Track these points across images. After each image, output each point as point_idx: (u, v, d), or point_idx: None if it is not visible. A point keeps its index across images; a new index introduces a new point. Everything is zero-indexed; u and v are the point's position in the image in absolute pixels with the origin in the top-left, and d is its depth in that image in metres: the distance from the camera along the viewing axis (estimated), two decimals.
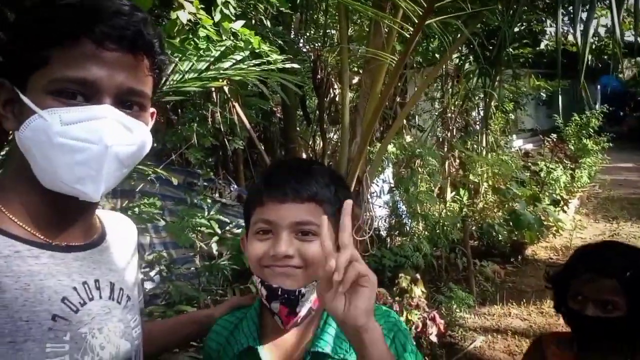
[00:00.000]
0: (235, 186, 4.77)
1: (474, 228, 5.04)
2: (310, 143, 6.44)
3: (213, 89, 3.11)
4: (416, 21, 2.43)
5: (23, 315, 0.66)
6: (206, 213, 3.56)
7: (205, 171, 4.22)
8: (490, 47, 5.28)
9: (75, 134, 0.67)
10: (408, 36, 2.55)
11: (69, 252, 0.75)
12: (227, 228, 3.97)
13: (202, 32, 2.17)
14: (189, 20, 2.13)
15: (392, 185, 5.16)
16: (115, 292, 0.79)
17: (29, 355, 0.66)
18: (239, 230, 4.14)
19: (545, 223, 5.29)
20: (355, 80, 5.21)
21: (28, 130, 0.67)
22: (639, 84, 17.44)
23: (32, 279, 0.69)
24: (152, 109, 0.79)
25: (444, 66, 5.46)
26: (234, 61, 2.29)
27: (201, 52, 2.07)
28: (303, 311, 0.88)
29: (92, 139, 0.68)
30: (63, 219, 0.75)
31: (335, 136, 6.80)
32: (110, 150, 0.68)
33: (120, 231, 0.88)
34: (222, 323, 1.01)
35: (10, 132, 0.73)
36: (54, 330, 0.69)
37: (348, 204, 0.74)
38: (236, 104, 3.24)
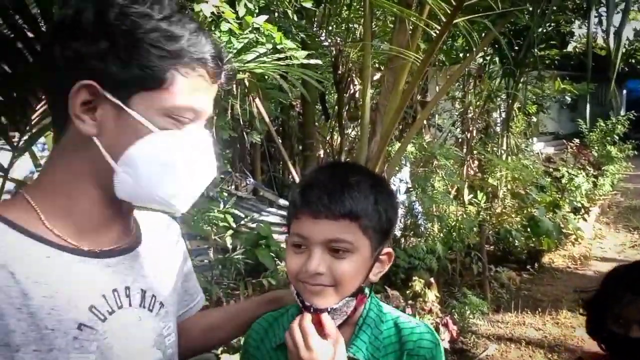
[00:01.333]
0: (252, 180, 4.75)
1: (490, 232, 4.96)
2: (328, 139, 6.40)
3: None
4: (444, 19, 2.36)
5: (49, 324, 0.65)
6: (222, 206, 3.55)
7: (222, 163, 4.20)
8: (517, 48, 5.17)
9: (181, 156, 0.71)
10: (434, 34, 2.48)
11: (100, 258, 0.73)
12: (242, 222, 3.96)
13: (224, 26, 2.14)
14: (212, 13, 2.10)
15: (409, 185, 5.10)
16: (147, 299, 0.76)
17: None
18: (254, 225, 4.13)
19: (564, 231, 5.18)
20: (377, 76, 5.14)
21: (138, 146, 0.69)
22: None
23: (61, 286, 0.67)
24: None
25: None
26: (256, 54, 2.26)
27: (223, 44, 2.05)
28: (338, 321, 0.88)
29: (195, 159, 0.73)
30: (99, 224, 0.74)
31: (353, 133, 6.76)
32: (206, 171, 0.75)
33: (158, 232, 0.86)
34: (261, 320, 1.01)
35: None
36: (79, 339, 0.67)
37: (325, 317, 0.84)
38: (256, 97, 3.21)
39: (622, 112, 8.35)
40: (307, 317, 0.84)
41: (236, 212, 3.88)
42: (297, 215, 0.88)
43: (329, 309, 0.86)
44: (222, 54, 0.73)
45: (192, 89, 0.70)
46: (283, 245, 4.24)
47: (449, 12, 2.32)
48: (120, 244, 0.76)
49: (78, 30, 0.67)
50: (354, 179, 0.89)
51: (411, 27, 3.19)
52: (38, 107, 2.01)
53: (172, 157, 0.70)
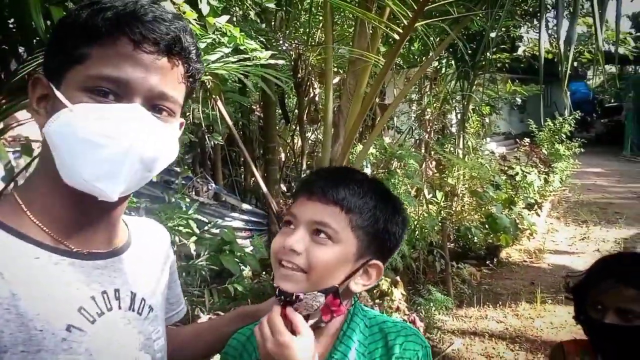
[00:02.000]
0: (214, 185, 4.68)
1: (450, 230, 5.09)
2: (289, 142, 6.39)
3: None
4: (405, 23, 2.41)
5: (37, 325, 0.64)
6: (184, 212, 3.48)
7: (183, 169, 4.12)
8: (469, 52, 5.34)
9: (101, 130, 0.66)
10: (397, 37, 2.53)
11: (90, 260, 0.72)
12: (206, 228, 3.89)
13: None
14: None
15: None
16: (137, 302, 0.76)
17: None
18: (217, 230, 4.07)
19: (519, 226, 5.38)
20: (336, 80, 5.19)
21: (56, 124, 0.67)
22: (606, 91, 18.06)
23: (50, 287, 0.67)
24: (181, 119, 0.78)
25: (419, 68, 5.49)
26: (219, 55, 2.23)
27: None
28: (303, 314, 0.85)
29: (117, 136, 0.66)
30: (85, 223, 0.72)
31: (312, 136, 6.79)
32: (133, 149, 0.67)
33: (148, 238, 0.85)
34: (237, 335, 0.98)
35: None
36: (68, 341, 0.66)
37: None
38: (218, 99, 3.17)
39: (567, 113, 8.78)
40: (276, 311, 0.83)
41: (199, 217, 3.81)
42: (295, 198, 0.90)
43: (294, 296, 0.83)
44: (155, 24, 0.68)
45: (107, 58, 0.67)
46: (247, 249, 4.20)
47: (410, 15, 2.37)
48: (110, 247, 0.76)
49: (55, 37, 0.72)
50: (359, 177, 0.91)
51: (371, 31, 3.25)
52: None
53: (90, 132, 0.66)
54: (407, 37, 2.49)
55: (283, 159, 6.38)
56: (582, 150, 7.45)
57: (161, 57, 0.69)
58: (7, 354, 0.62)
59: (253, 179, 5.55)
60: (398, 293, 3.34)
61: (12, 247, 0.66)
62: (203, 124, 3.65)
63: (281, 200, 5.21)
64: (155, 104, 0.70)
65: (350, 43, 3.59)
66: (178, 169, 4.07)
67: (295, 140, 6.49)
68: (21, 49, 1.79)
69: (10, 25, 1.71)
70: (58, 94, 0.67)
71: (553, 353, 1.38)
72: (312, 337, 0.83)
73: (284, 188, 6.02)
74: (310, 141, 6.67)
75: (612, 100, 18.77)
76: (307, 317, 0.86)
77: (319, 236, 0.84)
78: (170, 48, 0.69)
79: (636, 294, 1.15)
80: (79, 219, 0.72)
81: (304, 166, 6.32)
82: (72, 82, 0.68)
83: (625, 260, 1.26)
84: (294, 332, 0.81)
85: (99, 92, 0.67)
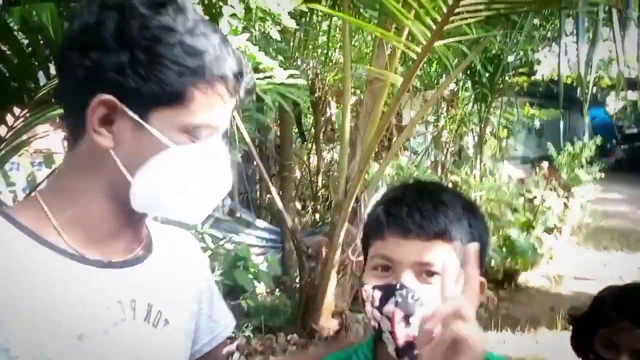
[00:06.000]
0: (229, 200, 4.70)
1: None
2: (305, 160, 6.42)
3: None
4: (424, 42, 2.43)
5: (48, 332, 0.63)
6: (199, 227, 3.49)
7: None
8: (487, 74, 5.35)
9: (201, 169, 0.70)
10: (415, 57, 2.54)
11: (107, 268, 0.70)
12: (220, 243, 3.90)
13: None
14: None
15: None
16: (152, 314, 0.73)
17: None
18: (232, 246, 4.07)
19: (538, 251, 5.28)
20: (352, 100, 5.22)
21: (158, 161, 0.68)
22: (627, 117, 17.83)
23: (64, 294, 0.65)
24: None
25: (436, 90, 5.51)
26: None
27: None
28: (414, 326, 0.74)
29: (215, 172, 0.72)
30: (108, 233, 0.72)
31: (329, 155, 6.81)
32: (226, 181, 0.74)
33: (173, 249, 0.82)
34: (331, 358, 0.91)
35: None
36: (78, 350, 0.65)
37: (473, 249, 0.62)
38: (237, 116, 3.21)
39: (586, 138, 8.69)
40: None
41: (214, 232, 3.82)
42: (381, 235, 0.79)
43: (414, 295, 0.76)
44: (243, 68, 0.71)
45: (209, 106, 0.69)
46: (261, 266, 4.19)
47: (428, 35, 2.39)
48: (129, 256, 0.74)
49: (98, 41, 0.65)
50: (447, 198, 0.82)
51: (389, 51, 3.27)
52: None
53: (187, 171, 0.69)
54: (425, 57, 2.50)
55: (298, 177, 6.40)
56: (602, 175, 7.33)
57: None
58: None
59: (268, 195, 5.56)
60: None
61: (29, 251, 0.65)
62: None
63: (295, 218, 5.21)
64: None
65: (368, 64, 3.62)
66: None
67: (311, 159, 6.51)
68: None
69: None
70: (156, 133, 0.67)
71: None
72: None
73: (298, 206, 6.02)
74: (325, 160, 6.69)
75: (633, 126, 18.52)
76: (411, 323, 0.76)
77: (431, 277, 0.77)
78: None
79: None
80: (104, 230, 0.71)
81: (319, 184, 6.32)
82: (171, 121, 0.67)
83: (638, 294, 1.16)
84: None
85: (199, 137, 0.69)
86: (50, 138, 2.47)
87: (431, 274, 0.77)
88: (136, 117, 0.66)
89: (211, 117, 0.69)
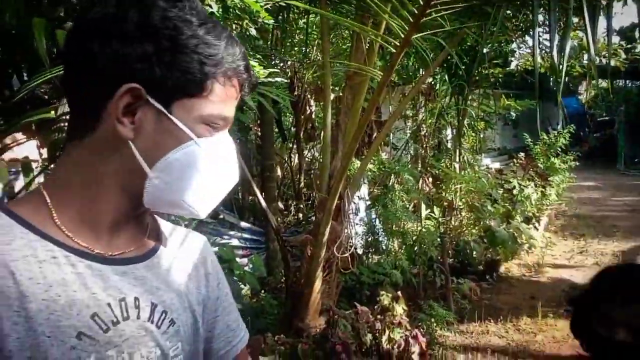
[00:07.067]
0: None
1: (449, 245, 5.07)
2: (286, 159, 6.40)
3: None
4: (402, 36, 2.44)
5: (46, 330, 0.61)
6: None
7: None
8: (463, 67, 5.40)
9: (218, 162, 0.71)
10: (394, 51, 2.55)
11: (110, 265, 0.68)
12: None
13: None
14: None
15: (369, 203, 5.15)
16: (156, 314, 0.70)
17: None
18: (216, 249, 4.03)
19: (518, 240, 5.37)
20: (332, 97, 5.22)
21: (181, 153, 0.68)
22: (598, 105, 18.27)
23: (63, 290, 0.63)
24: None
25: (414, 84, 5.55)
26: None
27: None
28: None
29: (226, 166, 0.73)
30: (114, 227, 0.70)
31: (309, 153, 6.80)
32: (235, 175, 0.75)
33: (182, 247, 0.80)
34: None
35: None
36: (77, 349, 0.62)
37: None
38: None
39: (560, 127, 8.85)
40: None
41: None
42: None
43: None
44: (249, 63, 0.73)
45: (227, 97, 0.70)
46: (246, 268, 4.15)
47: (406, 29, 2.40)
48: (135, 252, 0.72)
49: (121, 30, 0.64)
50: None
51: (367, 46, 3.28)
52: None
53: (206, 164, 0.70)
54: (404, 50, 2.51)
55: (280, 177, 6.37)
56: (577, 164, 7.49)
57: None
58: None
59: (251, 197, 5.53)
60: (400, 308, 3.30)
61: (28, 245, 0.63)
62: None
63: (279, 218, 5.19)
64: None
65: (347, 60, 3.62)
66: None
67: (292, 158, 6.50)
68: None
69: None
70: (179, 123, 0.67)
71: None
72: None
73: (281, 206, 6.00)
74: (307, 159, 6.68)
75: (604, 114, 18.97)
76: None
77: None
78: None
79: None
80: (110, 225, 0.70)
81: (302, 183, 6.31)
82: (193, 112, 0.68)
83: (636, 274, 1.22)
84: None
85: (215, 128, 0.71)
86: (25, 146, 2.40)
87: None
88: (160, 106, 0.66)
89: (228, 109, 0.71)
